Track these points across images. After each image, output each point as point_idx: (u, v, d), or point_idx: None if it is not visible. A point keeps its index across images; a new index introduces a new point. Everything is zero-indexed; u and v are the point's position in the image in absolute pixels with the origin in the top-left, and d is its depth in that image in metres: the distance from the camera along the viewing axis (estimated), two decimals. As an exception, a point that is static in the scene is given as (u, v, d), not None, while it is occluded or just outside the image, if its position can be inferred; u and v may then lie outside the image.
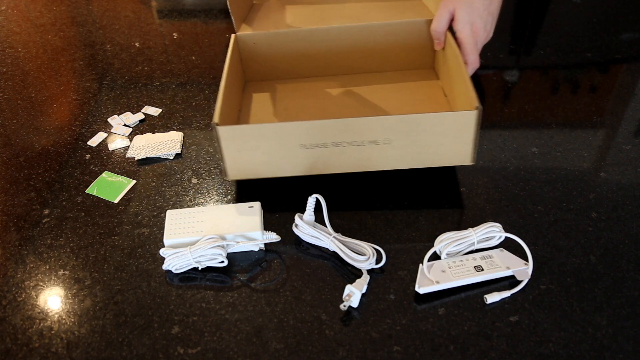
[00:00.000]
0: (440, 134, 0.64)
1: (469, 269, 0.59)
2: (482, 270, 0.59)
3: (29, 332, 0.57)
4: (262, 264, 0.63)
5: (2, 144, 0.81)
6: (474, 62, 0.78)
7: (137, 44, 1.04)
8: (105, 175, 0.75)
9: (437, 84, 0.84)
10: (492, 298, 0.57)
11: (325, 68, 0.86)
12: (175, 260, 0.60)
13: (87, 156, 0.78)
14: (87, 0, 1.20)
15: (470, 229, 0.62)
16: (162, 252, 0.62)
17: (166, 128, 0.83)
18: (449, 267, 0.59)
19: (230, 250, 0.63)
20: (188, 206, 0.70)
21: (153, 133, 0.82)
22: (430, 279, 0.58)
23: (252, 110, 0.81)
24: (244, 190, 0.72)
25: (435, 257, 0.62)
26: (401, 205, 0.69)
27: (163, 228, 0.66)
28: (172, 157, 0.78)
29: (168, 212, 0.65)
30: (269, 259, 0.63)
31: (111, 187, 0.73)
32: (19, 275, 0.62)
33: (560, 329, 0.55)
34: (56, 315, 0.58)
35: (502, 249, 0.62)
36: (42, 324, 0.57)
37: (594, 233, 0.65)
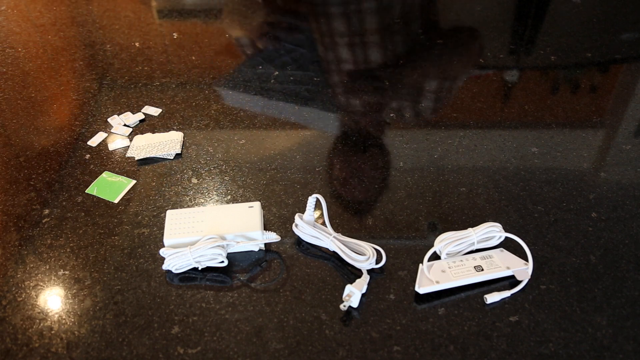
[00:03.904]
0: None
1: (469, 269, 0.59)
2: (482, 270, 0.59)
3: (29, 332, 0.57)
4: (262, 264, 0.63)
5: (2, 144, 0.81)
6: None
7: (137, 44, 1.04)
8: (105, 175, 0.75)
9: None
10: (492, 298, 0.57)
11: None
12: (175, 260, 0.60)
13: (87, 156, 0.78)
14: (87, 0, 1.20)
15: (470, 229, 0.62)
16: (162, 252, 0.61)
17: (166, 128, 0.83)
18: (449, 267, 0.59)
19: (230, 250, 0.63)
20: (188, 206, 0.70)
21: (153, 133, 0.82)
22: (430, 279, 0.58)
23: None
24: (244, 190, 0.72)
25: (435, 257, 0.62)
26: (401, 205, 0.69)
27: (163, 228, 0.66)
28: (172, 157, 0.78)
29: (168, 212, 0.65)
30: (269, 259, 0.63)
31: (111, 187, 0.73)
32: (19, 275, 0.62)
33: (560, 329, 0.55)
34: (56, 315, 0.58)
35: (502, 249, 0.62)
36: (42, 324, 0.57)
37: (594, 233, 0.65)
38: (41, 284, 0.61)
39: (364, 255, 0.60)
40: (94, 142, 0.81)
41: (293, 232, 0.65)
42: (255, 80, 0.93)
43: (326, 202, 0.63)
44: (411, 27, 0.92)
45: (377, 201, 0.70)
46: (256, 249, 0.64)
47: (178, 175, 0.75)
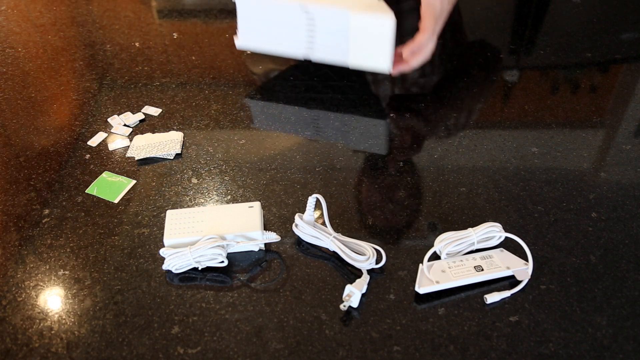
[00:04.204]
0: None
1: (469, 269, 0.59)
2: (482, 270, 0.59)
3: (29, 332, 0.57)
4: (262, 264, 0.63)
5: (2, 144, 0.81)
6: (427, 52, 0.78)
7: (137, 44, 1.04)
8: (105, 175, 0.75)
9: None
10: (492, 298, 0.57)
11: None
12: (175, 260, 0.60)
13: (87, 156, 0.78)
14: (87, 0, 1.20)
15: (470, 229, 0.62)
16: (162, 252, 0.62)
17: (166, 128, 0.83)
18: (449, 267, 0.59)
19: (230, 250, 0.63)
20: (188, 206, 0.70)
21: (153, 133, 0.82)
22: (430, 279, 0.58)
23: None
24: (244, 190, 0.72)
25: (435, 257, 0.62)
26: (401, 205, 0.69)
27: (163, 228, 0.66)
28: (172, 157, 0.78)
29: (168, 212, 0.65)
30: (269, 259, 0.63)
31: (111, 187, 0.73)
32: (19, 275, 0.62)
33: (560, 329, 0.55)
34: (56, 315, 0.58)
35: (502, 249, 0.62)
36: (42, 324, 0.57)
37: (594, 233, 0.65)
38: (41, 284, 0.61)
39: (364, 255, 0.60)
40: (94, 142, 0.81)
41: (293, 232, 0.65)
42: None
43: (326, 202, 0.63)
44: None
45: (377, 201, 0.70)
46: (256, 249, 0.64)
47: (178, 175, 0.75)
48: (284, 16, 0.83)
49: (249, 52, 1.00)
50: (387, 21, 0.77)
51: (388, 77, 0.87)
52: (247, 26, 0.87)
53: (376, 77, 0.92)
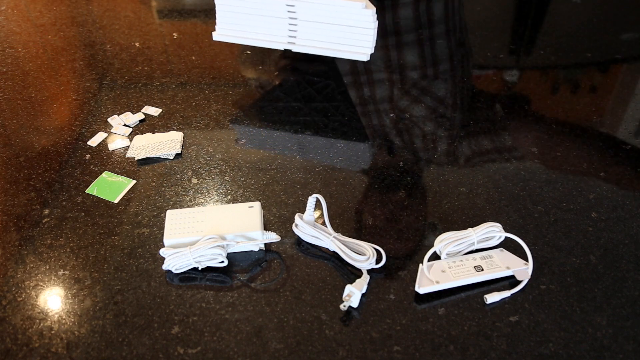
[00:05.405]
0: None
1: (469, 269, 0.59)
2: (482, 270, 0.59)
3: (29, 332, 0.57)
4: (262, 264, 0.63)
5: (2, 144, 0.81)
6: None
7: (137, 44, 1.04)
8: (105, 175, 0.75)
9: None
10: (492, 298, 0.57)
11: None
12: (175, 260, 0.60)
13: (87, 156, 0.78)
14: (87, 0, 1.20)
15: (470, 229, 0.62)
16: (162, 252, 0.61)
17: (166, 128, 0.83)
18: (449, 267, 0.59)
19: (230, 250, 0.63)
20: (188, 206, 0.70)
21: (153, 133, 0.82)
22: (430, 279, 0.58)
23: None
24: (244, 190, 0.72)
25: (435, 257, 0.62)
26: (401, 205, 0.69)
27: (163, 228, 0.66)
28: (172, 157, 0.78)
29: (168, 212, 0.65)
30: (269, 259, 0.63)
31: (111, 187, 0.73)
32: (19, 275, 0.62)
33: (560, 329, 0.55)
34: (56, 315, 0.58)
35: (502, 249, 0.62)
36: (42, 324, 0.57)
37: (594, 233, 0.65)
38: (41, 284, 0.61)
39: (364, 255, 0.60)
40: (94, 142, 0.81)
41: (293, 232, 0.65)
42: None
43: (326, 202, 0.63)
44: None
45: (377, 201, 0.70)
46: (256, 249, 0.64)
47: (178, 175, 0.75)
48: (265, 6, 0.82)
49: (248, 52, 1.00)
50: (367, 9, 0.77)
51: (387, 78, 0.87)
52: (226, 17, 0.85)
53: (376, 78, 0.92)
